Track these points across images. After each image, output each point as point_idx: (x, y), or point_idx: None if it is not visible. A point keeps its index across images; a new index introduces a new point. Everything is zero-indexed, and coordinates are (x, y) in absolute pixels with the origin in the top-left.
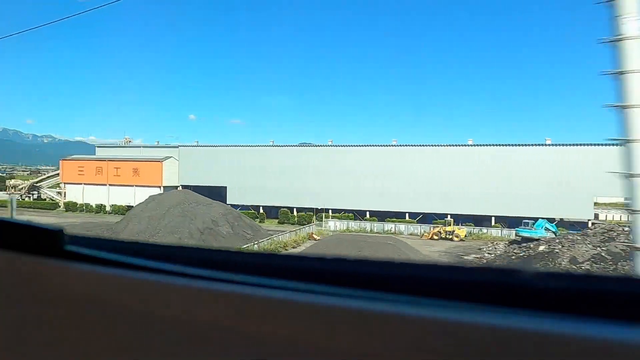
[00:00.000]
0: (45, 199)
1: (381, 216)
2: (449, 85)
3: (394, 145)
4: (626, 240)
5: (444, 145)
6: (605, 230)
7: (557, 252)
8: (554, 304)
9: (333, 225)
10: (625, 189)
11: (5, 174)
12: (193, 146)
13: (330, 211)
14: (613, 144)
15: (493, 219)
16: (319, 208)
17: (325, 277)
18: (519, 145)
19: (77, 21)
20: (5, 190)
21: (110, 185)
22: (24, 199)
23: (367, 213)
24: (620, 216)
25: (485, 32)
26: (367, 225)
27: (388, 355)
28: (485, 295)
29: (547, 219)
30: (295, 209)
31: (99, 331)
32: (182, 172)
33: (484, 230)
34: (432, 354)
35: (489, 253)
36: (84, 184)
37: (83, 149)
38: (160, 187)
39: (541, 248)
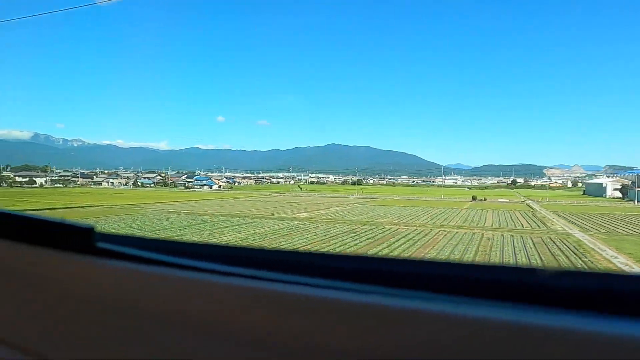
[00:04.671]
0: None
1: None
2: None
3: None
4: None
5: None
6: None
7: None
8: (569, 300)
9: None
10: None
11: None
12: None
13: None
14: None
15: None
16: None
17: (345, 274)
18: None
19: (103, 27)
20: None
21: None
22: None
23: None
24: None
25: None
26: None
27: (406, 350)
28: (499, 291)
29: None
30: None
31: (128, 325)
32: None
33: None
34: (446, 349)
35: None
36: None
37: (112, 152)
38: None
39: None
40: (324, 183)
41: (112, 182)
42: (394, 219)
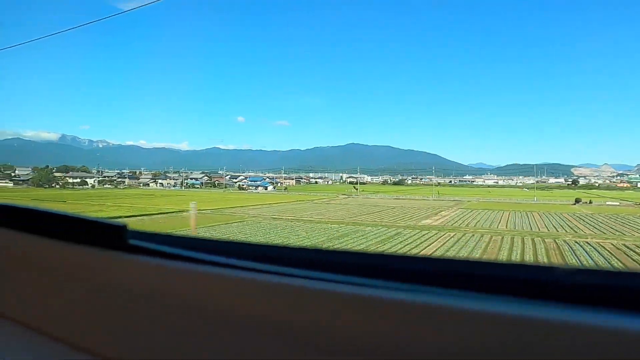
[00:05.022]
0: None
1: None
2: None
3: None
4: None
5: None
6: None
7: None
8: (590, 297)
9: None
10: None
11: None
12: None
13: None
14: None
15: None
16: None
17: (374, 271)
18: None
19: (125, 32)
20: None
21: None
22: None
23: None
24: None
25: None
26: None
27: (434, 347)
28: (520, 288)
29: None
30: None
31: (159, 319)
32: None
33: None
34: (465, 343)
35: None
36: None
37: (135, 152)
38: None
39: None
40: (364, 183)
41: (161, 183)
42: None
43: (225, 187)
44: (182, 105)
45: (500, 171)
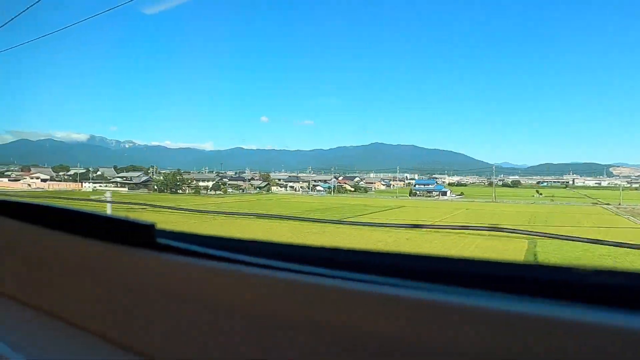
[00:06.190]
0: None
1: None
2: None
3: None
4: None
5: None
6: None
7: None
8: (606, 298)
9: None
10: None
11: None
12: None
13: None
14: None
15: None
16: None
17: (392, 270)
18: None
19: (150, 34)
20: None
21: None
22: None
23: None
24: None
25: None
26: None
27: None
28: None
29: None
30: None
31: (186, 315)
32: None
33: None
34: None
35: None
36: None
37: (162, 153)
38: None
39: None
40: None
41: (292, 186)
42: None
43: (366, 191)
44: (207, 107)
45: (533, 170)
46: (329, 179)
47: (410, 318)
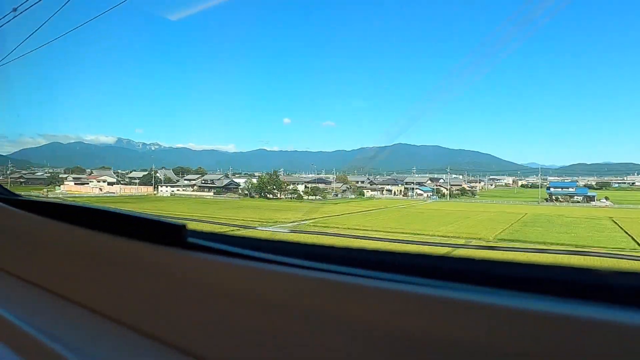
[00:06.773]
0: None
1: None
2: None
3: None
4: None
5: None
6: None
7: None
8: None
9: None
10: None
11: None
12: None
13: None
14: None
15: None
16: None
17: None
18: None
19: (173, 39)
20: None
21: None
22: None
23: None
24: None
25: None
26: None
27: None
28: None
29: None
30: None
31: (214, 310)
32: None
33: None
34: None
35: None
36: None
37: (186, 155)
38: None
39: None
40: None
41: (389, 190)
42: None
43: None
44: (230, 109)
45: (566, 171)
46: (425, 181)
47: (434, 315)
